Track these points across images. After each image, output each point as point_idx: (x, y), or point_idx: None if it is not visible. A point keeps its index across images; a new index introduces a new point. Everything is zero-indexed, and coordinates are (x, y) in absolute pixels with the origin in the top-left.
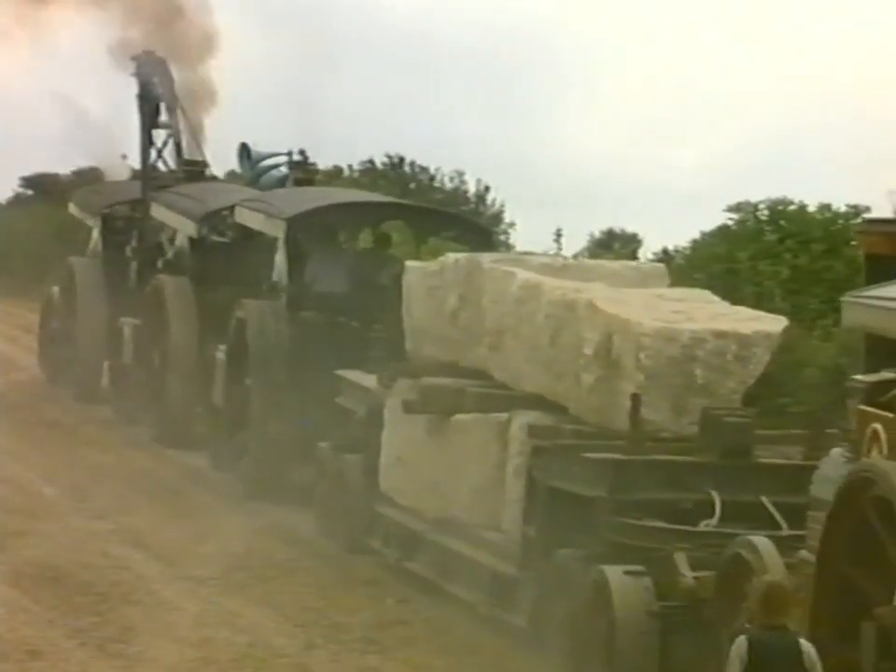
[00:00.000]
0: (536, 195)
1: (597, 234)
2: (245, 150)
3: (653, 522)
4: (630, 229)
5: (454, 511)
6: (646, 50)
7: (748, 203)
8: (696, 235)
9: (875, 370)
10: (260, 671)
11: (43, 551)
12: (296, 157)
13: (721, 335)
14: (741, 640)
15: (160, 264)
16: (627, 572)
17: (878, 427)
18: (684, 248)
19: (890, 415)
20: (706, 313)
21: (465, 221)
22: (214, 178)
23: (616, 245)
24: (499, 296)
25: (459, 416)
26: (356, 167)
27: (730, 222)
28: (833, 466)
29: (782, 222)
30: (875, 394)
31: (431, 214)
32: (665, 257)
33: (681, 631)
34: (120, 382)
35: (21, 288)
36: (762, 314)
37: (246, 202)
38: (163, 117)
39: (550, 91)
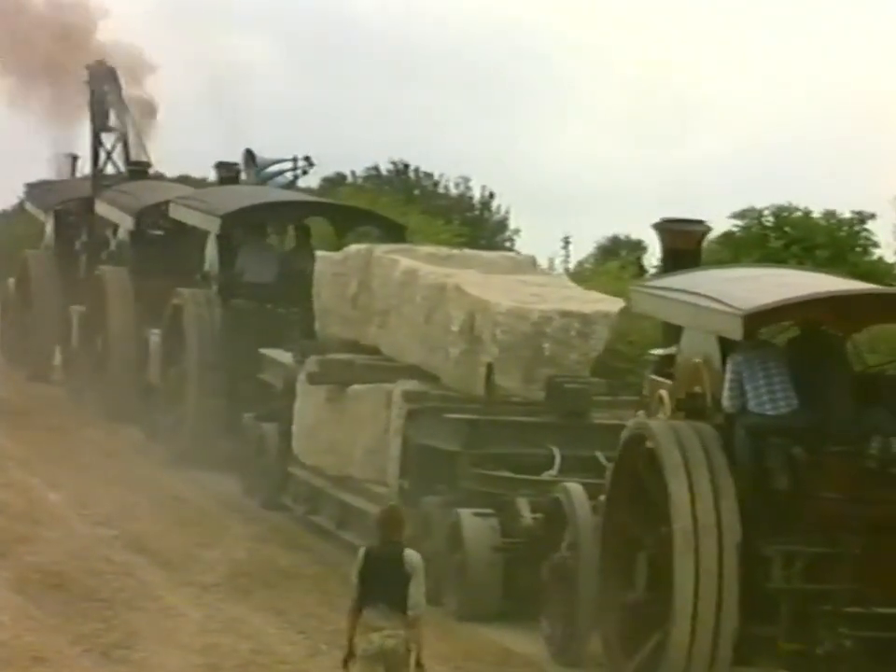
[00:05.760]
0: (541, 201)
1: (602, 241)
2: (250, 156)
3: (502, 472)
4: (634, 235)
5: (350, 470)
6: (652, 58)
7: (753, 210)
8: None
9: (669, 346)
10: None
11: None
12: (301, 163)
13: (566, 314)
14: (361, 552)
15: (104, 256)
16: (477, 514)
17: (663, 393)
18: None
19: (670, 383)
20: (558, 295)
21: (379, 217)
22: (161, 177)
23: (622, 251)
24: (386, 280)
25: (355, 386)
26: (359, 173)
27: (735, 228)
28: None
29: (787, 228)
30: (662, 366)
31: (349, 211)
32: None
33: (522, 563)
34: (70, 364)
35: None
36: (604, 296)
37: (181, 199)
38: (112, 122)
39: (555, 98)
